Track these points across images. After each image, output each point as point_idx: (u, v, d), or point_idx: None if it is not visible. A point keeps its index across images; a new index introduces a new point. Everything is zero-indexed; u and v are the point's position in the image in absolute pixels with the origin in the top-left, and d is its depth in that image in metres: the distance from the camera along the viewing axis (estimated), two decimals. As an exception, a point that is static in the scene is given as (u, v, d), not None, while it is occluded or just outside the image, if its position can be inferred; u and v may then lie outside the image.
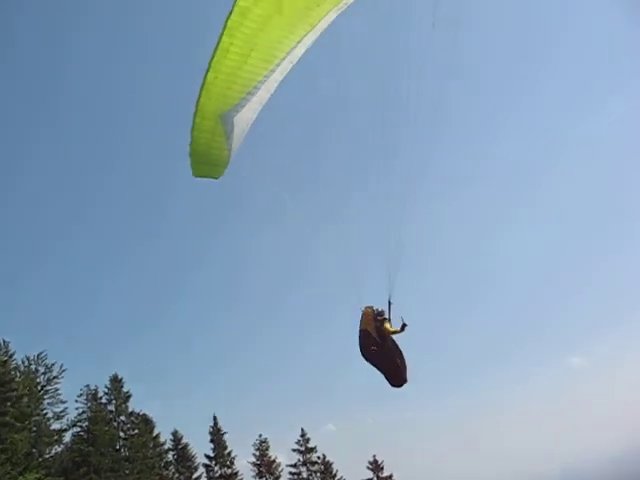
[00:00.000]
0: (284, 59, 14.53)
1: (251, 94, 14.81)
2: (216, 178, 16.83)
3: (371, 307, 15.60)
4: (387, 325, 15.59)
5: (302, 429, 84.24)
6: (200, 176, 16.58)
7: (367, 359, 15.33)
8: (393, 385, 15.61)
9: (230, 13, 13.14)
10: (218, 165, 16.41)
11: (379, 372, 15.50)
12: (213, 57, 13.82)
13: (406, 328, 15.53)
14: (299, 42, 14.27)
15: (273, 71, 14.62)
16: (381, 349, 15.36)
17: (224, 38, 13.42)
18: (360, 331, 15.33)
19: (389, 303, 15.58)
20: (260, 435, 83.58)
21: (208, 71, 14.04)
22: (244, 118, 15.24)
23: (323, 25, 13.90)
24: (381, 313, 15.64)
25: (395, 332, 15.62)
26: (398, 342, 15.68)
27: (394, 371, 15.69)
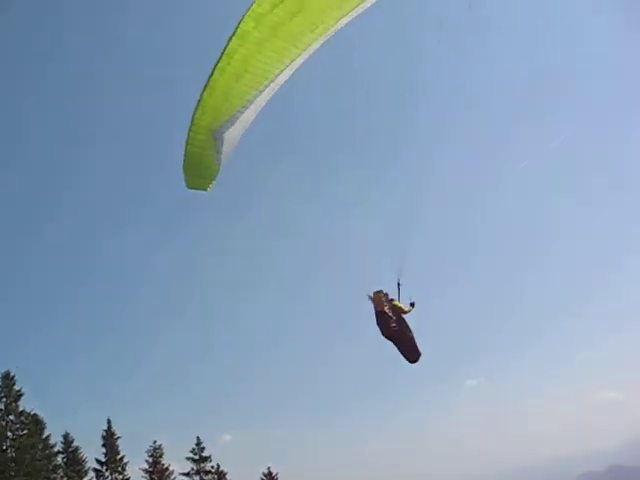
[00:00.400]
0: (273, 81, 15.48)
1: (240, 112, 15.68)
2: (205, 190, 17.41)
3: (380, 291, 16.20)
4: (399, 304, 16.37)
5: (197, 437, 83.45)
6: (193, 188, 17.30)
7: (389, 338, 16.04)
8: (411, 361, 16.49)
9: (232, 36, 14.07)
10: (208, 178, 17.13)
11: (397, 349, 16.19)
12: (211, 76, 14.79)
13: (415, 306, 16.50)
14: (290, 65, 15.28)
15: (262, 91, 15.47)
16: (400, 327, 16.08)
17: (223, 59, 14.38)
18: (377, 312, 15.92)
19: (398, 285, 16.37)
20: (155, 442, 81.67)
21: (205, 89, 15.02)
22: (233, 134, 16.09)
23: (315, 48, 14.83)
24: (386, 295, 16.28)
25: (407, 311, 16.48)
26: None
27: (412, 347, 16.39)
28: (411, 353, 16.46)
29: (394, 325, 15.91)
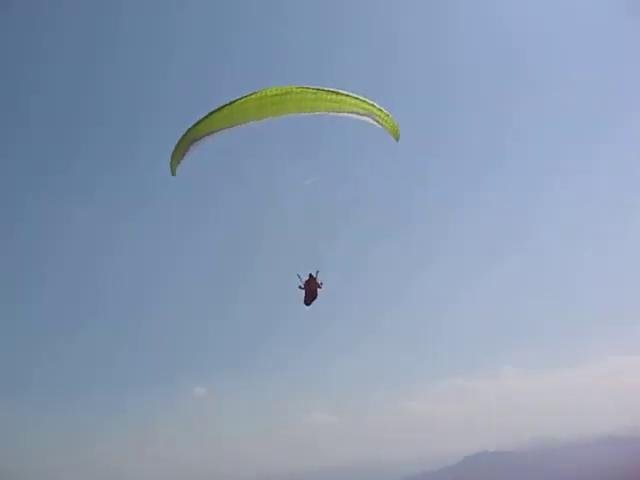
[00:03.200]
0: (240, 125, 23.53)
1: (214, 135, 24.14)
2: (174, 175, 25.77)
3: (311, 276, 26.48)
4: (315, 284, 26.52)
5: None
6: (173, 171, 25.65)
7: (308, 304, 26.64)
8: (305, 303, 26.65)
9: (228, 105, 22.59)
10: (175, 165, 25.60)
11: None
12: (200, 121, 23.15)
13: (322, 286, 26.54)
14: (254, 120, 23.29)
15: (230, 128, 23.65)
16: (313, 294, 26.60)
17: (215, 114, 22.74)
18: (311, 292, 26.48)
19: (317, 272, 26.60)
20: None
21: (194, 125, 23.47)
22: (199, 146, 24.66)
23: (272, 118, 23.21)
24: (311, 275, 26.55)
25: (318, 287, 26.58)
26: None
27: (308, 298, 26.55)
28: (306, 300, 26.71)
29: (314, 292, 26.68)
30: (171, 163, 24.83)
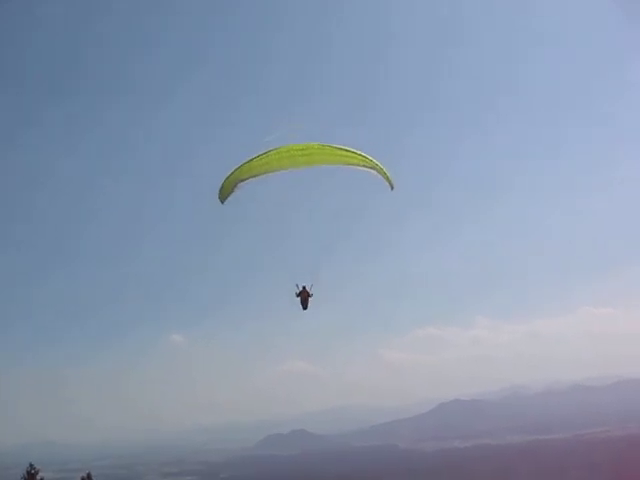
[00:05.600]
0: (269, 173, 31.20)
1: (249, 180, 31.94)
2: (222, 204, 33.62)
3: (304, 288, 35.27)
4: (307, 294, 35.30)
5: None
6: (222, 201, 33.21)
7: (304, 308, 35.54)
8: (304, 309, 35.56)
9: (265, 152, 30.37)
10: (225, 199, 33.28)
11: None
12: (240, 167, 31.21)
13: (312, 296, 35.58)
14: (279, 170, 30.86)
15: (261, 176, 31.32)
16: (306, 301, 35.21)
17: (259, 156, 30.55)
18: (304, 299, 35.42)
19: (311, 286, 35.39)
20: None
21: (242, 165, 31.28)
22: (241, 186, 32.43)
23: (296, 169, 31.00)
24: (304, 287, 35.36)
25: (309, 296, 35.55)
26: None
27: (305, 305, 35.39)
28: (304, 306, 35.48)
29: (305, 303, 35.44)
30: (220, 197, 32.84)
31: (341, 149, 30.37)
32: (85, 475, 52.84)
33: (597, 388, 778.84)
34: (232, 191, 31.65)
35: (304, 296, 34.90)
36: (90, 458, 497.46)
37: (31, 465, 54.18)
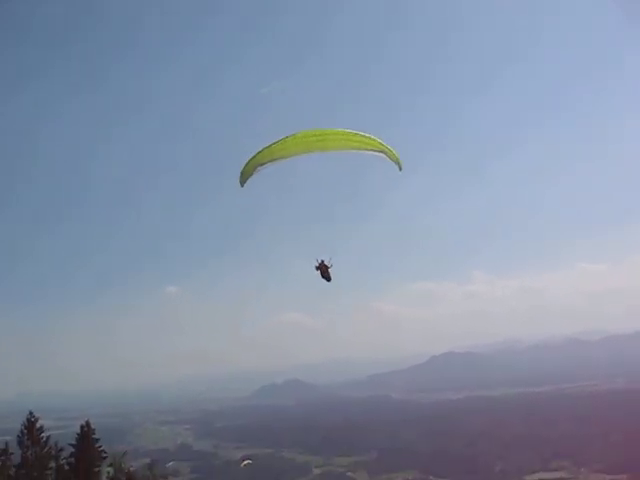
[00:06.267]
0: (287, 158, 33.31)
1: (268, 163, 33.79)
2: (242, 186, 35.47)
3: (322, 263, 36.95)
4: (325, 267, 37.09)
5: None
6: (242, 184, 35.28)
7: (328, 280, 37.29)
8: (328, 281, 37.40)
9: (281, 138, 32.35)
10: (244, 182, 35.26)
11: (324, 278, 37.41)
12: (259, 152, 33.23)
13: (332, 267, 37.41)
14: (295, 155, 33.12)
15: (280, 159, 33.49)
16: (326, 274, 37.08)
17: (277, 142, 32.51)
18: (327, 274, 37.22)
19: (329, 259, 37.21)
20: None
21: (257, 154, 33.38)
22: (259, 169, 34.24)
23: (308, 153, 33.09)
24: (322, 262, 37.09)
25: (329, 268, 37.38)
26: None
27: (328, 277, 37.26)
28: (327, 278, 37.50)
29: (328, 275, 37.27)
30: (241, 180, 34.97)
31: (354, 135, 32.88)
32: (84, 423, 55.38)
33: (588, 343, 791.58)
34: (251, 175, 33.99)
35: (323, 269, 36.77)
36: (87, 407, 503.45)
37: (31, 413, 55.73)
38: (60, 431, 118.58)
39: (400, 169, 35.35)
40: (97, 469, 51.36)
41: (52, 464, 51.90)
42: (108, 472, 52.40)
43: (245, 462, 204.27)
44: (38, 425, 54.11)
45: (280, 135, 31.95)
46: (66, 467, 51.50)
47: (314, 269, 36.91)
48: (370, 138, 33.12)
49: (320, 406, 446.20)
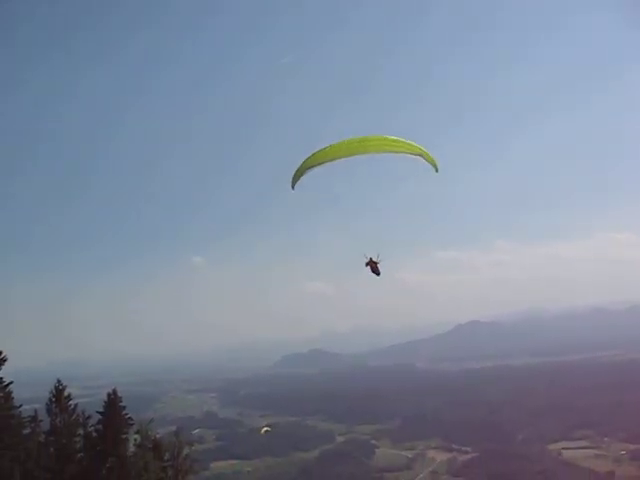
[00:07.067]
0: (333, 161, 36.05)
1: (316, 167, 36.58)
2: (293, 189, 38.16)
3: (371, 259, 39.05)
4: (374, 263, 39.30)
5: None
6: (293, 187, 37.77)
7: (377, 275, 39.61)
8: (377, 275, 39.75)
9: (324, 147, 35.58)
10: (295, 183, 37.77)
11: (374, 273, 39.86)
12: (308, 158, 36.08)
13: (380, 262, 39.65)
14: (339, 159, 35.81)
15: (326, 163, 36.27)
16: (376, 268, 39.25)
17: (325, 149, 35.53)
18: (376, 269, 39.35)
19: (377, 256, 39.50)
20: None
21: (311, 156, 36.04)
22: (309, 172, 36.95)
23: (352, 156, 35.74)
24: (371, 259, 39.24)
25: (378, 264, 39.57)
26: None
27: (377, 272, 39.51)
28: (377, 273, 39.93)
29: (377, 269, 39.50)
30: (292, 182, 37.30)
31: (393, 140, 35.17)
32: (111, 391, 56.59)
33: (612, 312, 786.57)
34: (300, 177, 36.40)
35: (372, 265, 39.05)
36: (114, 375, 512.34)
37: (58, 381, 56.56)
38: (87, 399, 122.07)
39: (437, 171, 37.26)
40: (124, 436, 52.63)
41: (80, 431, 53.23)
42: (135, 439, 53.66)
43: (265, 429, 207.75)
44: (66, 393, 55.17)
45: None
46: (94, 434, 52.85)
47: (364, 264, 39.05)
48: (408, 143, 35.72)
49: (344, 375, 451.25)
